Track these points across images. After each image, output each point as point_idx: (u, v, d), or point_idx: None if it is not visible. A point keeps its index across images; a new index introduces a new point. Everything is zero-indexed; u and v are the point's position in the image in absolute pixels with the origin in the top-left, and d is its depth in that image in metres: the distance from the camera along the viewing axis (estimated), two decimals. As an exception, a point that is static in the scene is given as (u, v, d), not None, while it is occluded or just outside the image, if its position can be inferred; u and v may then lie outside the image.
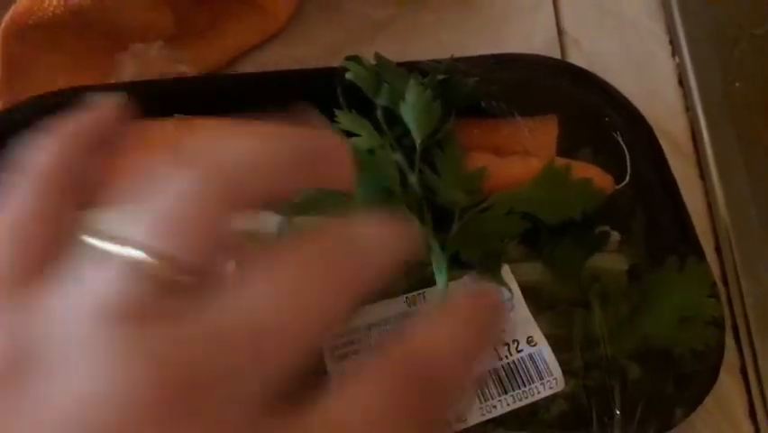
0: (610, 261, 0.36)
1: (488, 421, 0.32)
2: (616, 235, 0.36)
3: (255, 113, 0.34)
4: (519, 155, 0.37)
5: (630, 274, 0.36)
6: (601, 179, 0.36)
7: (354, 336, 0.34)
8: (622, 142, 0.37)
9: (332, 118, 0.36)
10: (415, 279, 0.35)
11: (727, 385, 0.40)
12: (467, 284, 0.35)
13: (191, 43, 0.43)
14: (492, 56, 0.38)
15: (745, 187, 0.44)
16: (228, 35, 0.44)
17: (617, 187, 0.37)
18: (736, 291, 0.42)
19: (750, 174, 0.44)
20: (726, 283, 0.42)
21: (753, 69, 0.47)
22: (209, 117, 0.35)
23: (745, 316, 0.42)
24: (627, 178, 0.37)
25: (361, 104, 0.36)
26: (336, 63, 0.38)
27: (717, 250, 0.43)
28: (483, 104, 0.38)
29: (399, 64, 0.37)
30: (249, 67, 0.45)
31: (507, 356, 0.34)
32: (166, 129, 0.33)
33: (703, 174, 0.45)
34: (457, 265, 0.34)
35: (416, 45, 0.45)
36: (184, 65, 0.42)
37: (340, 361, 0.33)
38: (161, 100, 0.35)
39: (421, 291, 0.35)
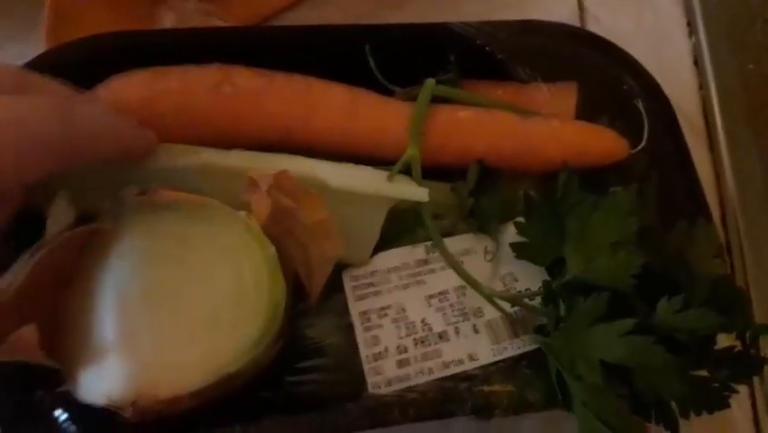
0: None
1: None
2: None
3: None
4: (541, 117, 0.38)
5: (640, 235, 0.37)
6: (616, 143, 0.37)
7: (375, 279, 0.36)
8: (642, 109, 0.38)
9: (362, 76, 0.37)
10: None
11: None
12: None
13: (226, 1, 0.45)
14: (518, 22, 0.39)
15: (754, 163, 0.45)
16: (261, -5, 0.46)
17: (633, 151, 0.38)
18: (740, 262, 0.44)
19: (759, 152, 0.46)
20: (730, 253, 0.44)
21: (766, 52, 0.48)
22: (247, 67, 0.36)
23: (747, 285, 0.43)
24: (644, 142, 0.38)
25: (391, 66, 0.38)
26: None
27: (723, 220, 0.45)
28: (507, 67, 0.39)
29: (429, 24, 0.39)
30: (279, 27, 0.47)
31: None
32: (207, 72, 0.35)
33: (713, 148, 0.46)
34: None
35: (442, 14, 0.46)
36: (219, 20, 0.43)
37: (361, 300, 0.35)
38: (200, 49, 0.37)
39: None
